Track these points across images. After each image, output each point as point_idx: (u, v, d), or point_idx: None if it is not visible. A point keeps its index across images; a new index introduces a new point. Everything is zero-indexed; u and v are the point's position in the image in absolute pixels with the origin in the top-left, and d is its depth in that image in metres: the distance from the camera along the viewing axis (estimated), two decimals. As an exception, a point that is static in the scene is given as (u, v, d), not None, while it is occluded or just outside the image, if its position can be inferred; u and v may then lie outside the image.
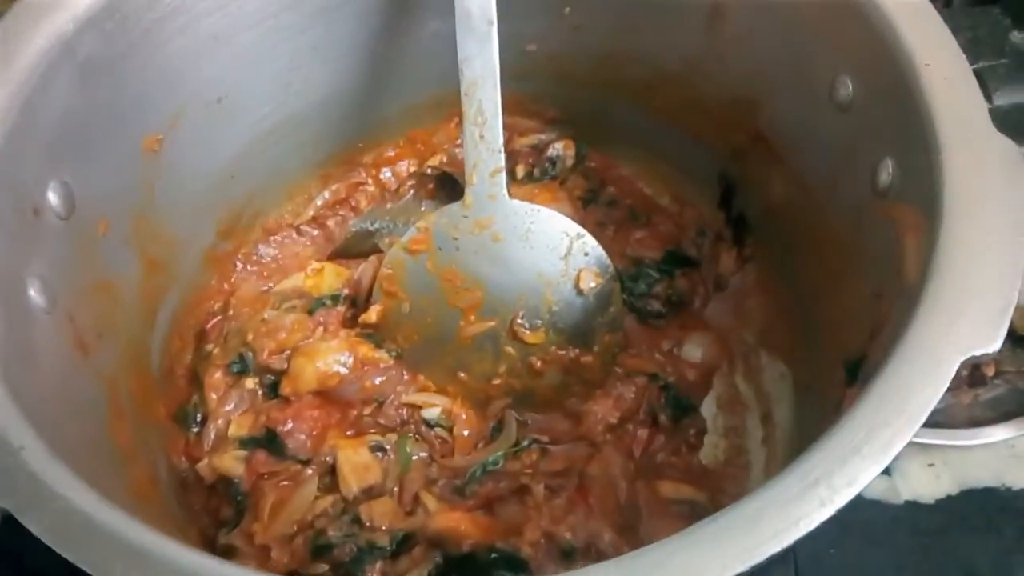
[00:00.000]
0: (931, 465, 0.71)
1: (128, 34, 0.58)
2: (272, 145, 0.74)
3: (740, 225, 0.74)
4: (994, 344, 0.38)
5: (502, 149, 0.65)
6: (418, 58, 0.75)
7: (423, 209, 0.79)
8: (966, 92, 0.47)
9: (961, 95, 0.47)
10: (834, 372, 0.55)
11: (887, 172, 0.52)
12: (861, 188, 0.54)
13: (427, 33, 0.73)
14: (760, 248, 0.72)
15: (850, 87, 0.56)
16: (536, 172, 0.79)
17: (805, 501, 0.35)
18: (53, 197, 0.54)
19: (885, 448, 0.36)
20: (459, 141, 0.81)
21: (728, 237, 0.75)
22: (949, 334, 0.39)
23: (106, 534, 0.37)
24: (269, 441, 0.64)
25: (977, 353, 0.38)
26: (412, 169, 0.81)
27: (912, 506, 0.70)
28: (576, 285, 0.68)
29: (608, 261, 0.69)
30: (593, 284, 0.67)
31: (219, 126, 0.68)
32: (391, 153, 0.81)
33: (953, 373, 0.38)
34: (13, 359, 0.45)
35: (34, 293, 0.51)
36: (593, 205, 0.78)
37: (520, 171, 0.79)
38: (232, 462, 0.62)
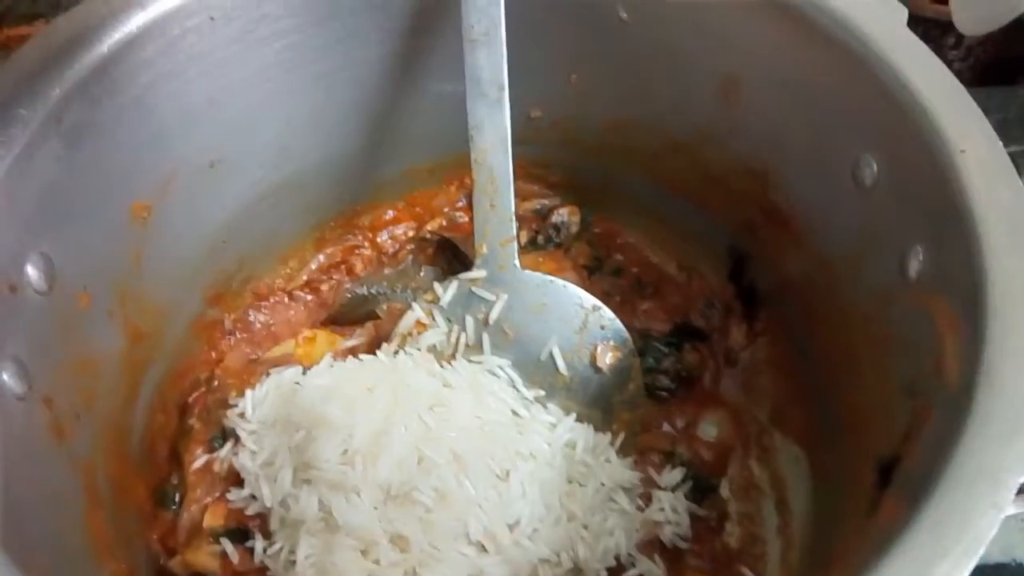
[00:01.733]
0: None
1: (117, 99, 0.55)
2: (266, 209, 0.71)
3: (751, 298, 0.71)
4: (1057, 463, 0.35)
5: (514, 218, 0.63)
6: (418, 121, 0.72)
7: (421, 275, 0.76)
8: (1006, 181, 0.44)
9: (1000, 184, 0.44)
10: (859, 467, 0.51)
11: (917, 259, 0.49)
12: (889, 272, 0.52)
13: (428, 97, 0.71)
14: (773, 323, 0.70)
15: (875, 168, 0.53)
16: (540, 239, 0.76)
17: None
18: (32, 271, 0.51)
19: (942, 584, 0.33)
20: (459, 204, 0.79)
21: (738, 310, 0.72)
22: (1006, 454, 0.36)
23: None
24: (244, 536, 0.60)
25: (1039, 476, 0.35)
26: (411, 233, 0.79)
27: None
28: (592, 361, 0.65)
29: (627, 335, 0.66)
30: (611, 359, 0.64)
31: (212, 191, 0.65)
32: (389, 216, 0.79)
33: (1012, 497, 0.35)
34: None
35: (7, 377, 0.47)
36: (598, 274, 0.75)
37: (523, 237, 0.77)
38: (206, 558, 0.58)
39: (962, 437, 0.38)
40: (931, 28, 0.83)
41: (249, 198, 0.69)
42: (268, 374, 0.68)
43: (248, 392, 0.66)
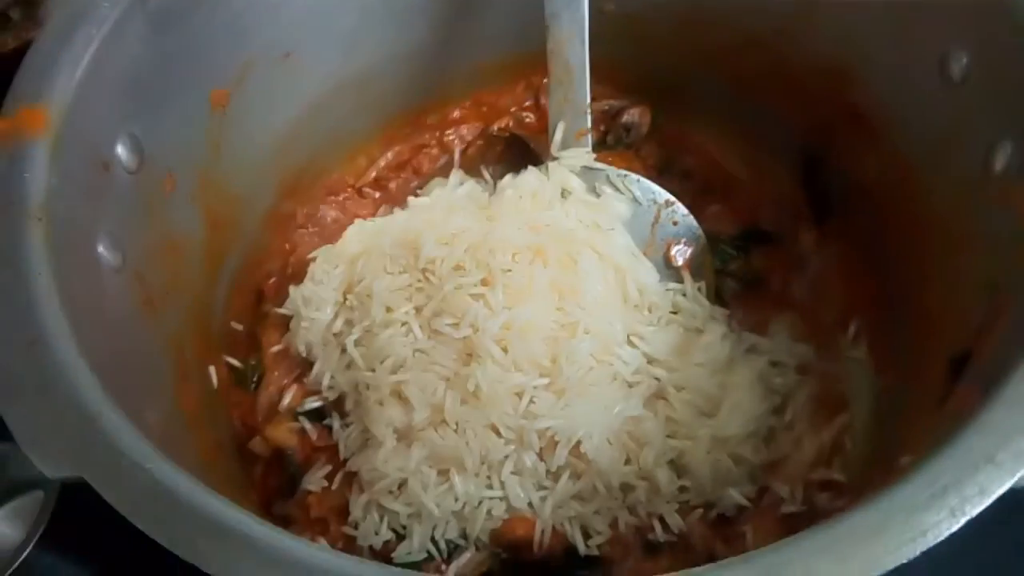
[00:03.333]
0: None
1: (198, -18, 0.56)
2: (337, 104, 0.71)
3: (823, 202, 0.70)
4: None
5: (589, 110, 0.63)
6: (489, 17, 0.72)
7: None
8: (1108, 70, 0.43)
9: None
10: (929, 364, 0.52)
11: (1005, 154, 0.48)
12: (973, 170, 0.51)
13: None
14: (844, 227, 0.69)
15: (964, 62, 0.52)
16: (610, 139, 0.75)
17: (933, 511, 0.32)
18: (122, 150, 0.53)
19: (1019, 456, 0.33)
20: (526, 104, 0.79)
21: (808, 215, 0.71)
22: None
23: (184, 508, 0.36)
24: (320, 415, 0.63)
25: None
26: (477, 132, 0.79)
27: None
28: (665, 255, 0.65)
29: (700, 231, 0.66)
30: (684, 256, 0.65)
31: (285, 83, 0.66)
32: (456, 115, 0.79)
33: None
34: (86, 319, 0.43)
35: (104, 250, 0.50)
36: (667, 176, 0.74)
37: (593, 136, 0.76)
38: (286, 434, 0.61)
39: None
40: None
41: (320, 91, 0.70)
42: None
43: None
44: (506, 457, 0.54)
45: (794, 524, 0.60)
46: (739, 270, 0.70)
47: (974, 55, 0.51)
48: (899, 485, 0.34)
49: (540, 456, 0.55)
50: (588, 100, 0.62)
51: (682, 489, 0.58)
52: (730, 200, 0.74)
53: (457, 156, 0.76)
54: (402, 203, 0.74)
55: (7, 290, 0.40)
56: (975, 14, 0.51)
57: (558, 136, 0.64)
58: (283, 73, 0.66)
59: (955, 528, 0.32)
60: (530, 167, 0.66)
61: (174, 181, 0.58)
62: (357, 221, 0.71)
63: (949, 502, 0.33)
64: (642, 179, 0.65)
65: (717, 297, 0.69)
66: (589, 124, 0.63)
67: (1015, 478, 0.33)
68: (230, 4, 0.59)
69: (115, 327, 0.48)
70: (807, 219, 0.72)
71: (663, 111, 0.77)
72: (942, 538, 0.32)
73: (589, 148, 0.64)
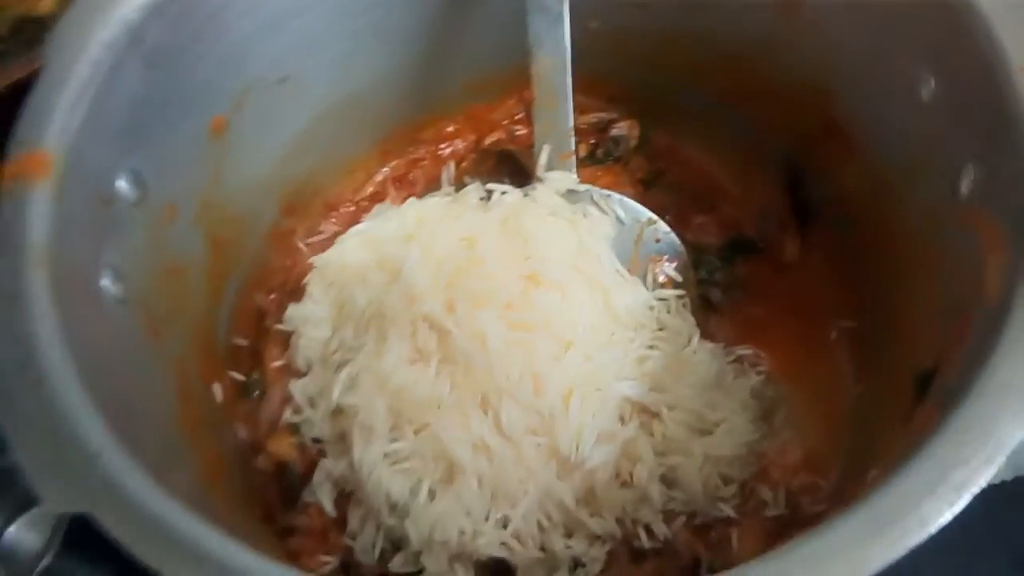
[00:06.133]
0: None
1: (192, 20, 0.58)
2: (334, 123, 0.74)
3: (805, 211, 0.72)
4: (1082, 380, 0.37)
5: (572, 133, 0.65)
6: (478, 35, 0.74)
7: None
8: (1063, 101, 0.44)
9: (1057, 104, 0.44)
10: (901, 378, 0.54)
11: (969, 178, 0.50)
12: (941, 190, 0.53)
13: (488, 10, 0.71)
14: (826, 236, 0.71)
15: (933, 86, 0.54)
16: (599, 153, 0.78)
17: (874, 544, 0.34)
18: (123, 185, 0.55)
19: (960, 488, 0.35)
20: (518, 117, 0.81)
21: (792, 223, 0.73)
22: (1034, 369, 0.38)
23: (182, 540, 0.38)
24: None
25: (1065, 390, 0.37)
26: (471, 145, 0.81)
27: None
28: (649, 272, 0.67)
29: (681, 248, 0.68)
30: (666, 271, 0.67)
31: (282, 106, 0.68)
32: (450, 129, 0.81)
33: (1036, 410, 0.37)
34: (91, 354, 0.46)
35: (107, 283, 0.52)
36: (656, 188, 0.77)
37: (582, 150, 0.78)
38: (287, 448, 0.63)
39: (995, 353, 0.40)
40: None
41: (317, 112, 0.72)
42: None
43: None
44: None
45: (778, 528, 0.62)
46: (724, 280, 0.72)
47: (940, 80, 0.53)
48: (844, 519, 0.36)
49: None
50: (572, 124, 0.64)
51: (670, 499, 0.61)
52: (717, 210, 0.76)
53: (452, 171, 0.78)
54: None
55: (15, 332, 0.43)
56: (939, 39, 0.52)
57: (543, 159, 0.66)
58: (280, 97, 0.68)
59: (894, 559, 0.34)
60: (516, 189, 0.68)
61: (176, 209, 0.60)
62: (350, 231, 0.73)
63: (889, 535, 0.35)
64: (624, 199, 0.67)
65: (705, 305, 0.72)
66: (573, 146, 0.65)
67: (955, 510, 0.35)
68: (226, 36, 0.61)
69: (119, 358, 0.51)
70: (791, 228, 0.73)
71: (650, 124, 0.78)
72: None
73: (574, 170, 0.66)
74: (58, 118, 0.50)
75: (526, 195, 0.67)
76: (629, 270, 0.66)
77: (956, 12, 0.50)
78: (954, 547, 0.65)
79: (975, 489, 0.35)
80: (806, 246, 0.72)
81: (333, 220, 0.79)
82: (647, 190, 0.76)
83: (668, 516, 0.60)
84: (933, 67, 0.53)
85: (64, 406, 0.41)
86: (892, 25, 0.56)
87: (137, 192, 0.56)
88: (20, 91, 0.52)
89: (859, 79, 0.61)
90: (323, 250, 0.76)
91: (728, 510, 0.61)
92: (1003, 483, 0.66)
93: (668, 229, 0.67)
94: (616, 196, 0.67)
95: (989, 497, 0.67)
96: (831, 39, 0.62)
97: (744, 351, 0.68)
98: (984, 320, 0.43)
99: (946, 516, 0.35)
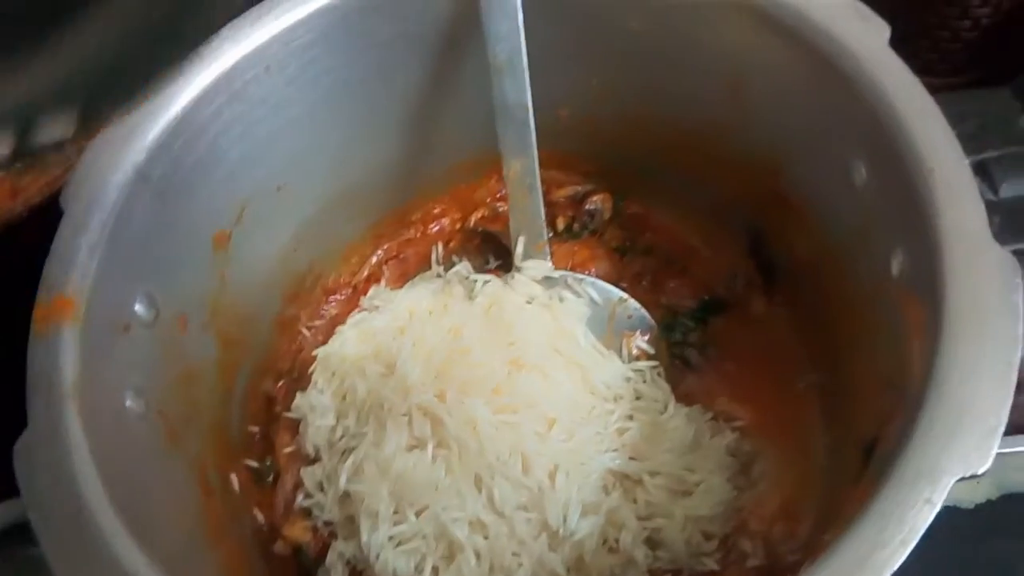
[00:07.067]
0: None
1: (194, 151, 0.64)
2: (329, 217, 0.79)
3: (769, 272, 0.77)
4: (984, 465, 0.42)
5: (544, 225, 0.70)
6: (457, 125, 0.79)
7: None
8: (969, 202, 0.49)
9: (964, 205, 0.49)
10: (852, 442, 0.58)
11: (898, 261, 0.55)
12: (878, 269, 0.57)
13: (463, 104, 0.77)
14: (789, 296, 0.76)
15: (863, 172, 0.59)
16: (576, 226, 0.83)
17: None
18: (139, 308, 0.61)
19: (880, 570, 0.40)
20: (500, 194, 0.86)
21: (758, 282, 0.78)
22: (944, 455, 0.43)
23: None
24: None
25: (967, 476, 0.42)
26: (458, 224, 0.87)
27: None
28: (623, 347, 0.72)
29: (652, 321, 0.73)
30: (638, 345, 0.72)
31: (280, 211, 0.74)
32: (437, 210, 0.87)
33: (944, 496, 0.42)
34: (120, 475, 0.51)
35: (131, 403, 0.58)
36: (630, 255, 0.82)
37: (560, 223, 0.84)
38: (301, 532, 0.69)
39: (912, 437, 0.44)
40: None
41: (313, 210, 0.77)
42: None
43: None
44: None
45: (759, 578, 0.67)
46: (699, 340, 0.78)
47: (869, 168, 0.58)
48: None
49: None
50: (543, 217, 0.70)
51: (656, 559, 0.66)
52: (690, 273, 0.81)
53: (440, 251, 0.84)
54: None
55: (54, 468, 0.49)
56: (866, 132, 0.57)
57: (520, 249, 0.72)
58: (278, 203, 0.73)
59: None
60: (497, 279, 0.74)
61: (186, 320, 0.66)
62: (348, 320, 0.79)
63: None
64: (597, 281, 0.73)
65: (682, 365, 0.77)
66: (546, 237, 0.71)
67: (875, 587, 0.40)
68: (224, 160, 0.66)
69: (144, 470, 0.56)
70: (757, 284, 0.79)
71: (624, 195, 0.84)
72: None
73: (548, 258, 0.71)
74: (80, 261, 0.56)
75: (506, 283, 0.72)
76: (605, 345, 0.71)
77: (879, 111, 0.55)
78: (942, 564, 0.70)
79: (894, 567, 0.40)
80: (772, 302, 0.77)
81: (333, 304, 0.85)
82: (623, 257, 0.82)
83: (655, 574, 0.65)
84: (863, 155, 0.58)
85: (102, 533, 0.47)
86: (827, 112, 0.61)
87: (151, 312, 0.61)
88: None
89: (802, 159, 0.66)
90: (325, 333, 0.83)
91: (712, 563, 0.66)
92: (994, 507, 0.71)
93: (639, 306, 0.73)
94: (589, 279, 0.73)
95: (976, 515, 0.72)
96: (775, 121, 0.67)
97: (720, 407, 0.74)
98: (909, 401, 0.48)
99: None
